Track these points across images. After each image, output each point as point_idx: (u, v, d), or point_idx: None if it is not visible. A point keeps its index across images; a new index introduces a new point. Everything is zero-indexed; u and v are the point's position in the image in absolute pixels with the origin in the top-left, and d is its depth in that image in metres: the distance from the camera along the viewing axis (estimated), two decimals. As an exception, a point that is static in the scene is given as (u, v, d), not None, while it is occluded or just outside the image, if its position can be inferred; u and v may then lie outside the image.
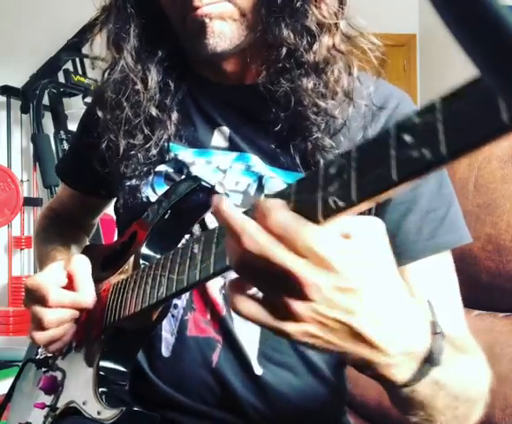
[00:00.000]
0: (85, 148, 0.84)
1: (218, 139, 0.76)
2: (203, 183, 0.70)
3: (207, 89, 0.78)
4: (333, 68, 0.68)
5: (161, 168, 0.78)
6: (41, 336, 0.70)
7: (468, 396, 0.54)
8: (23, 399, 0.87)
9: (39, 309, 0.69)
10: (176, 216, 0.71)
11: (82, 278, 0.71)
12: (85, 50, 3.48)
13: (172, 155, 0.77)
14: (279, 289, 0.39)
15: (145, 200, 0.77)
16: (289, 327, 0.40)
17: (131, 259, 0.73)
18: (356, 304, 0.39)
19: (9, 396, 0.89)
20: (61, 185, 1.08)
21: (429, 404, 0.50)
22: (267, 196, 0.43)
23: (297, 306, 0.39)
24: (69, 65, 3.55)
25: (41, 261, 0.92)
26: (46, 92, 3.45)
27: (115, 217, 0.89)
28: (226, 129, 0.76)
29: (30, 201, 3.59)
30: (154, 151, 0.76)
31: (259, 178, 0.72)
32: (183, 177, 0.75)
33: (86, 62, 3.58)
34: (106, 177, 0.82)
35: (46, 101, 3.49)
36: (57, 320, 0.69)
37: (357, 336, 0.41)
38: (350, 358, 0.43)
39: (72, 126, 3.51)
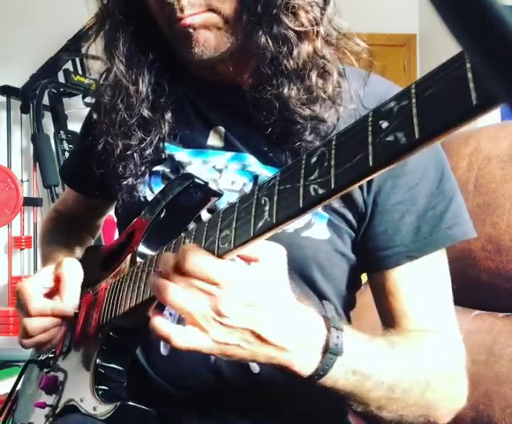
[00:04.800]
0: (85, 151, 0.85)
1: (214, 138, 0.77)
2: (196, 180, 0.70)
3: (202, 89, 0.78)
4: (315, 73, 0.68)
5: (158, 168, 0.78)
6: (27, 342, 0.74)
7: (405, 386, 0.59)
8: (25, 400, 0.87)
9: (23, 317, 0.73)
10: (172, 214, 0.72)
11: (67, 285, 0.75)
12: (85, 50, 3.48)
13: (168, 154, 0.78)
14: (196, 312, 0.49)
15: (142, 199, 0.78)
16: (206, 343, 0.50)
17: (128, 257, 0.73)
18: (256, 313, 0.50)
19: (11, 397, 0.90)
20: (65, 188, 1.09)
21: (360, 394, 0.58)
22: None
23: (215, 326, 0.49)
24: (69, 65, 3.55)
25: (44, 263, 0.93)
26: (46, 92, 3.45)
27: (115, 218, 0.89)
28: (222, 129, 0.76)
29: (30, 201, 3.59)
30: (149, 150, 0.77)
31: (255, 178, 0.73)
32: (178, 175, 0.76)
33: (86, 62, 3.58)
34: (104, 180, 0.82)
35: (46, 101, 3.49)
36: (39, 328, 0.73)
37: (262, 340, 0.51)
38: (262, 361, 0.53)
39: (72, 126, 3.51)
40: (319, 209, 0.69)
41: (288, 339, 0.52)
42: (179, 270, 0.49)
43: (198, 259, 0.48)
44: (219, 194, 0.70)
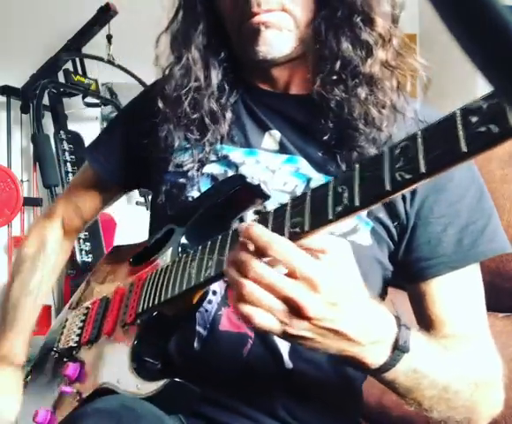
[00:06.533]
0: (131, 135, 0.87)
1: (268, 141, 0.79)
2: (249, 180, 0.71)
3: (256, 96, 0.81)
4: (384, 82, 0.71)
5: (210, 169, 0.79)
6: None
7: (457, 388, 0.62)
8: (41, 387, 0.87)
9: None
10: (219, 211, 0.73)
11: None
12: (85, 50, 3.48)
13: (224, 153, 0.79)
14: (281, 310, 0.49)
15: (190, 199, 0.79)
16: (286, 335, 0.51)
17: (170, 250, 0.75)
18: (339, 312, 0.50)
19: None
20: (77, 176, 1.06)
21: (416, 391, 0.60)
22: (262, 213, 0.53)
23: (296, 322, 0.49)
24: (69, 65, 3.55)
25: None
26: (46, 92, 3.44)
27: (150, 213, 0.92)
28: (277, 132, 0.78)
29: (30, 201, 3.58)
30: (207, 148, 0.79)
31: (308, 181, 0.74)
32: (228, 175, 0.78)
33: (86, 62, 3.58)
34: (148, 168, 0.84)
35: (46, 101, 3.48)
36: None
37: (340, 335, 0.52)
38: (333, 353, 0.54)
39: (72, 126, 3.51)
40: (364, 216, 0.72)
41: (363, 334, 0.53)
42: (259, 256, 0.49)
43: (282, 246, 0.48)
44: (268, 197, 0.71)
